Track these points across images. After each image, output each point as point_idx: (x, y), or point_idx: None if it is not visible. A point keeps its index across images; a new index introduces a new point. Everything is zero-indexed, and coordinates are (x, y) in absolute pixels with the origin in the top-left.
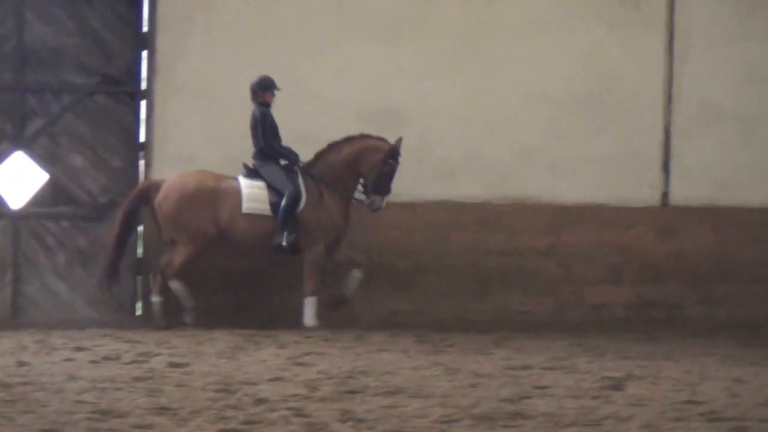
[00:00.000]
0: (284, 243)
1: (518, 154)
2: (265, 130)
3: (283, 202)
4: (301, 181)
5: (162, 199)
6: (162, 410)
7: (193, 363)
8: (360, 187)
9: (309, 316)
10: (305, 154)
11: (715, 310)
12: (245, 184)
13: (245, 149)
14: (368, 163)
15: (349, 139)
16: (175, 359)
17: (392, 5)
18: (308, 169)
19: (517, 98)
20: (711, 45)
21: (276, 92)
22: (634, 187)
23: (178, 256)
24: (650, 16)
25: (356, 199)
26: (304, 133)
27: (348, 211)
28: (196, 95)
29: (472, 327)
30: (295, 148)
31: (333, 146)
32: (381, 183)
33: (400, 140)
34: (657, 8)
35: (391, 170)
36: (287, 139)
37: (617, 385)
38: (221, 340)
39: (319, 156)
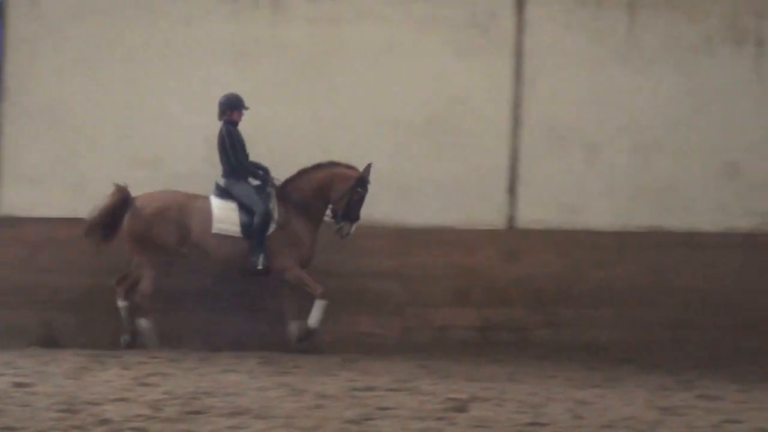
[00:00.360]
0: (260, 266)
1: None
2: (234, 148)
3: (255, 222)
4: (273, 202)
5: (131, 216)
6: (5, 430)
7: (37, 383)
8: (328, 213)
9: (315, 318)
10: (153, 178)
11: (560, 333)
12: (216, 204)
13: (95, 169)
14: (338, 190)
15: (318, 166)
16: (19, 379)
17: (239, 28)
18: (279, 192)
19: (366, 122)
20: (559, 69)
21: (244, 111)
22: (480, 209)
23: (146, 282)
24: (498, 40)
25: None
26: (150, 157)
27: (315, 235)
28: (45, 116)
29: (319, 348)
30: (139, 171)
31: (302, 172)
32: (350, 210)
33: (368, 167)
34: (505, 33)
35: (360, 198)
36: (133, 161)
37: (461, 407)
38: (66, 360)
39: (289, 181)
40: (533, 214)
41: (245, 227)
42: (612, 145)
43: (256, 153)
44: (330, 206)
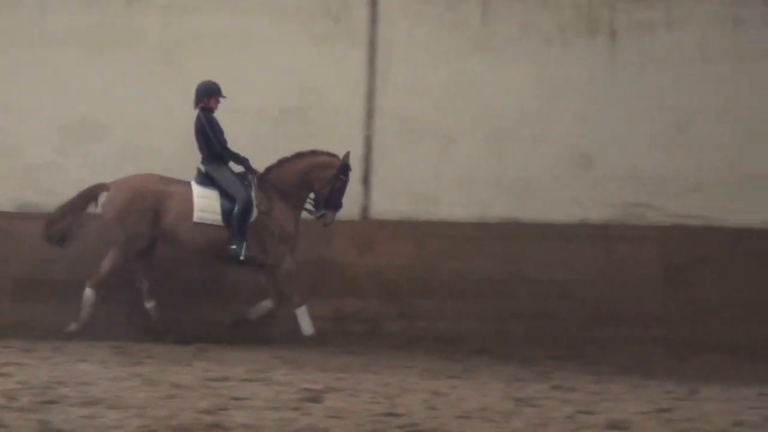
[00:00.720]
0: (242, 256)
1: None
2: (215, 133)
3: (236, 210)
4: (254, 190)
5: (105, 201)
6: None
7: None
8: (310, 201)
9: (306, 325)
10: (8, 168)
11: (414, 324)
12: (197, 192)
13: None
14: (320, 179)
15: (299, 155)
16: None
17: (94, 17)
18: (259, 181)
19: (221, 111)
20: (412, 60)
21: (221, 99)
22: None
23: (107, 262)
24: (352, 30)
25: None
26: (5, 147)
27: (298, 224)
28: None
29: (173, 338)
30: None
31: (282, 161)
32: (333, 198)
33: (348, 154)
34: (359, 23)
35: (342, 185)
36: None
37: (316, 398)
38: None
39: (270, 169)
40: (387, 205)
41: (226, 215)
42: (467, 137)
43: (108, 143)
44: (313, 195)
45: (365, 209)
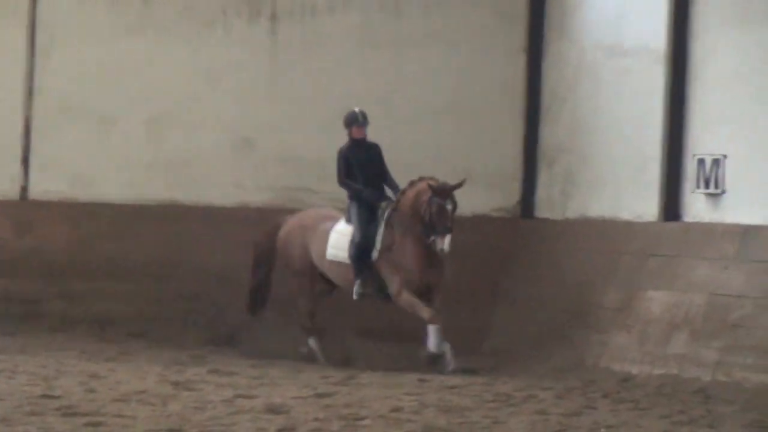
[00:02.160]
0: (355, 296)
1: None
2: (337, 167)
3: (351, 249)
4: (382, 225)
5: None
6: None
7: None
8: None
9: (433, 343)
10: None
11: (73, 306)
12: (338, 228)
13: None
14: (421, 205)
15: (411, 183)
16: None
17: None
18: (392, 212)
19: None
20: (73, 41)
21: (359, 127)
22: None
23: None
24: (14, 8)
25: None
26: None
27: (426, 255)
28: None
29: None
30: None
31: (401, 192)
32: (432, 222)
33: (440, 182)
34: (20, 3)
35: (438, 209)
36: None
37: None
38: None
39: (398, 200)
40: (46, 185)
41: (350, 252)
42: (127, 118)
43: None
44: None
45: (24, 189)
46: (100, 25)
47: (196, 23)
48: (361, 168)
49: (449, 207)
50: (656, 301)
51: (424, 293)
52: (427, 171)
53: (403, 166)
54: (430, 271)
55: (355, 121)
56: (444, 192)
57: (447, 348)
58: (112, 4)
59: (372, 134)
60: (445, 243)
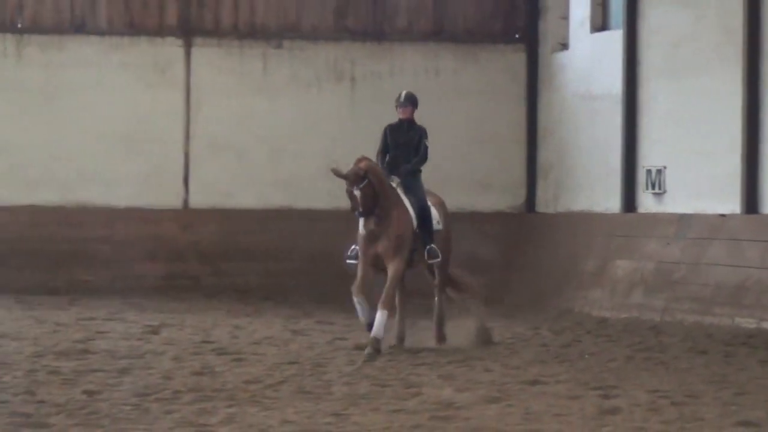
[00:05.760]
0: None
1: (84, 172)
2: (380, 143)
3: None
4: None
5: None
6: None
7: None
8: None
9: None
10: None
11: (221, 279)
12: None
13: None
14: None
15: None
16: None
17: None
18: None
19: (83, 135)
20: (215, 99)
21: (401, 108)
22: (164, 195)
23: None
24: (173, 78)
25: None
26: None
27: (370, 230)
28: None
29: (55, 292)
30: None
31: None
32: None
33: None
34: (177, 73)
35: (348, 194)
36: None
37: (155, 331)
38: None
39: None
40: (200, 198)
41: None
42: (254, 151)
43: None
44: None
45: (185, 201)
46: (233, 88)
47: (299, 85)
48: (395, 146)
49: (356, 192)
50: (621, 267)
51: (377, 263)
52: (458, 182)
53: (442, 177)
54: (375, 244)
55: (398, 101)
56: (345, 177)
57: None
58: (241, 73)
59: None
60: (360, 226)
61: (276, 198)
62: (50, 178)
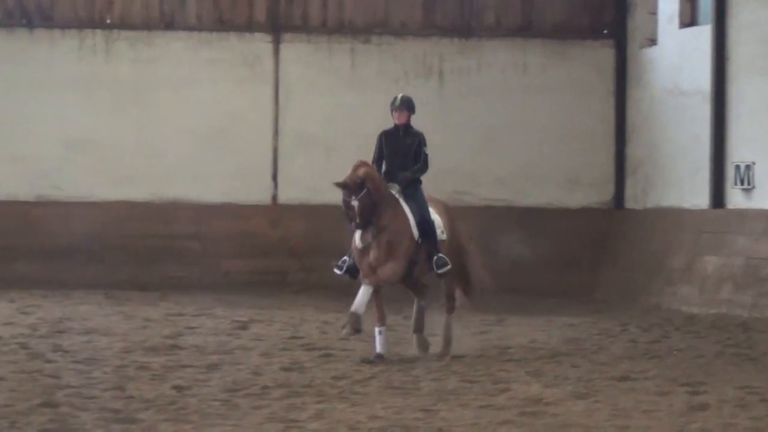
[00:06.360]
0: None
1: (173, 168)
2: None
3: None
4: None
5: None
6: None
7: None
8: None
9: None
10: None
11: (309, 276)
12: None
13: None
14: None
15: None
16: None
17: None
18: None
19: (175, 131)
20: (303, 95)
21: (396, 112)
22: (253, 191)
23: None
24: (262, 74)
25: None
26: None
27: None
28: None
29: (145, 287)
30: None
31: None
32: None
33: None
34: (266, 69)
35: (344, 204)
36: None
37: (244, 326)
38: None
39: None
40: (289, 194)
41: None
42: (342, 146)
43: (99, 155)
44: None
45: (274, 197)
46: (322, 83)
47: (387, 80)
48: (389, 153)
49: (354, 203)
50: (710, 263)
51: (369, 275)
52: (547, 177)
53: (531, 173)
54: (370, 254)
55: (393, 105)
56: (343, 187)
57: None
58: (329, 69)
59: (508, 154)
60: (356, 238)
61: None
62: (140, 174)
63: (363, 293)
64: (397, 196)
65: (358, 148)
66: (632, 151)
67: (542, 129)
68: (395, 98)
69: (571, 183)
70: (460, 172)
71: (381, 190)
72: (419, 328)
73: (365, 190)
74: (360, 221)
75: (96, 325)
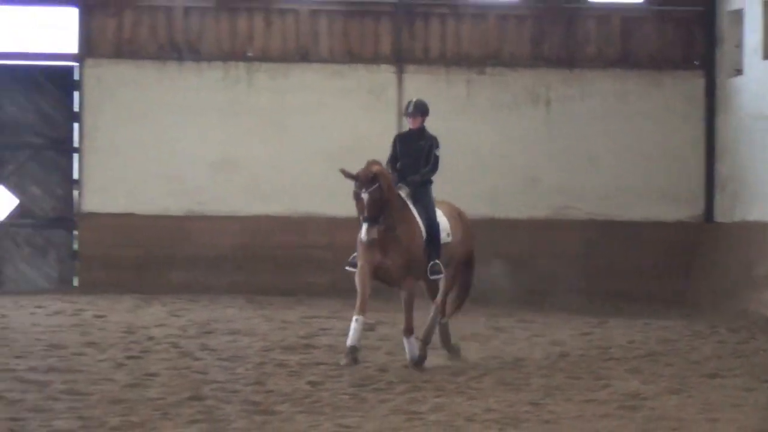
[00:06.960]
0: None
1: (307, 185)
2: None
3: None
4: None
5: None
6: (90, 344)
7: (108, 315)
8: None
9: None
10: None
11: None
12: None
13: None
14: None
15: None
16: (97, 313)
17: (225, 95)
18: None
19: (310, 152)
20: (430, 119)
21: (410, 118)
22: None
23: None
24: (386, 101)
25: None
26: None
27: (377, 240)
28: (109, 151)
29: (283, 293)
30: None
31: None
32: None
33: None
34: (390, 97)
35: (355, 196)
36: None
37: (371, 328)
38: (126, 301)
39: None
40: None
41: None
42: (453, 166)
43: (242, 172)
44: None
45: None
46: (440, 110)
47: (499, 107)
48: (403, 156)
49: (364, 196)
50: None
51: (383, 278)
52: (643, 194)
53: (629, 190)
54: (377, 254)
55: (406, 111)
56: (354, 178)
57: (414, 347)
58: (447, 97)
59: (608, 173)
60: (362, 232)
61: (477, 207)
62: (279, 191)
63: (355, 328)
64: (405, 198)
65: (470, 168)
66: (721, 170)
67: (639, 151)
68: (409, 103)
69: (666, 199)
70: (565, 190)
71: (392, 188)
72: (445, 342)
73: (377, 184)
74: (368, 215)
75: (239, 327)
